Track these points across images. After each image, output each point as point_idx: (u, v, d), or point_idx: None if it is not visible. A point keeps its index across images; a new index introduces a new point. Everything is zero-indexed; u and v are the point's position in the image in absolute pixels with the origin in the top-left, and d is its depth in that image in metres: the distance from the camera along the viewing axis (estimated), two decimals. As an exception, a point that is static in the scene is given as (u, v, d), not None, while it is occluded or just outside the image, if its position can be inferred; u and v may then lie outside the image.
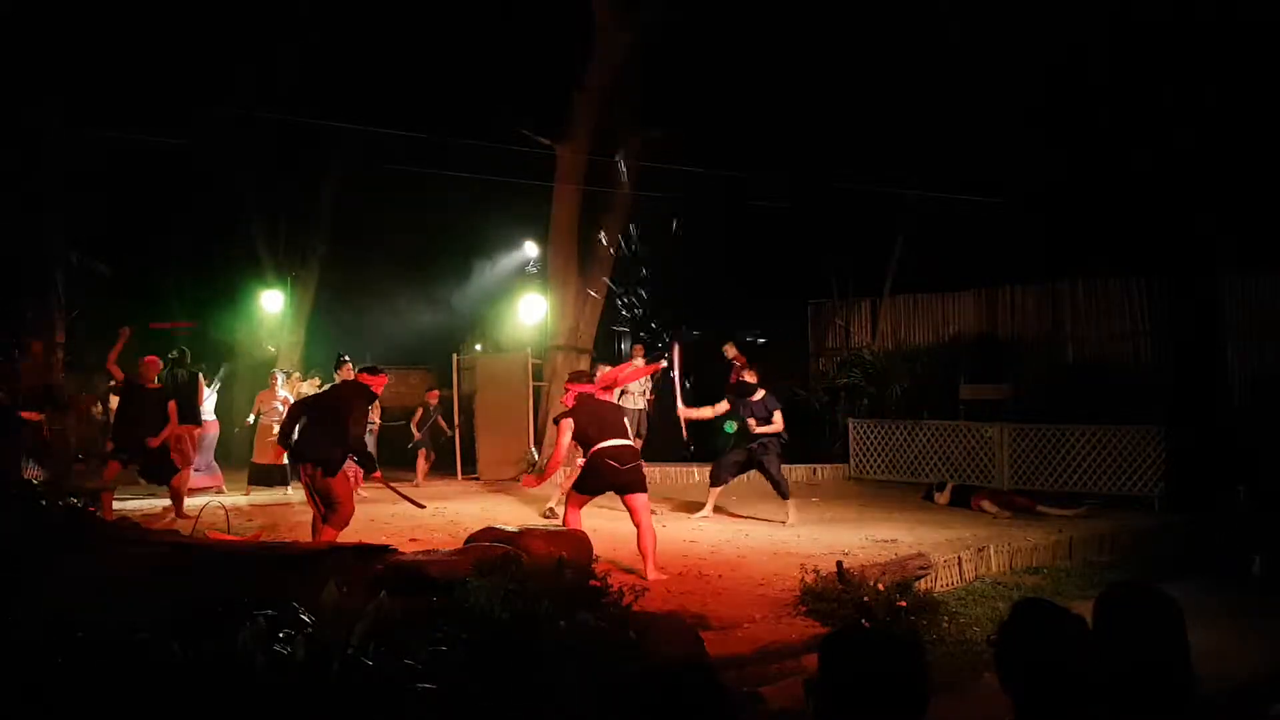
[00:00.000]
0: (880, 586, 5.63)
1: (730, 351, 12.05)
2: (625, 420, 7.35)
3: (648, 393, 12.46)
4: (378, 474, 7.54)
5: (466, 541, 5.95)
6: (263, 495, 10.86)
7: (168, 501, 9.35)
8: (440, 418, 12.95)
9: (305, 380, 12.10)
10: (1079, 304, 12.81)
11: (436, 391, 13.16)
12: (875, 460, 12.64)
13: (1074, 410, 11.32)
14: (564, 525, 6.65)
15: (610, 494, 6.89)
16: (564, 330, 13.00)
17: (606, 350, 15.17)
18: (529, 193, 13.37)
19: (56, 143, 10.62)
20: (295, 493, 10.62)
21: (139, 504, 9.90)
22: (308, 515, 7.51)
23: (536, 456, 12.25)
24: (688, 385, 10.46)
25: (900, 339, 14.48)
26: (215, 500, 8.52)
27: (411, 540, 7.39)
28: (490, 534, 5.96)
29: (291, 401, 10.37)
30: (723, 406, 9.24)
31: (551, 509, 9.25)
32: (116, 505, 8.98)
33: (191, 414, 10.14)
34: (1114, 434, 10.52)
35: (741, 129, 13.15)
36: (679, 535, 8.22)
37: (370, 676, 3.20)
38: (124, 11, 11.22)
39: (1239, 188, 10.18)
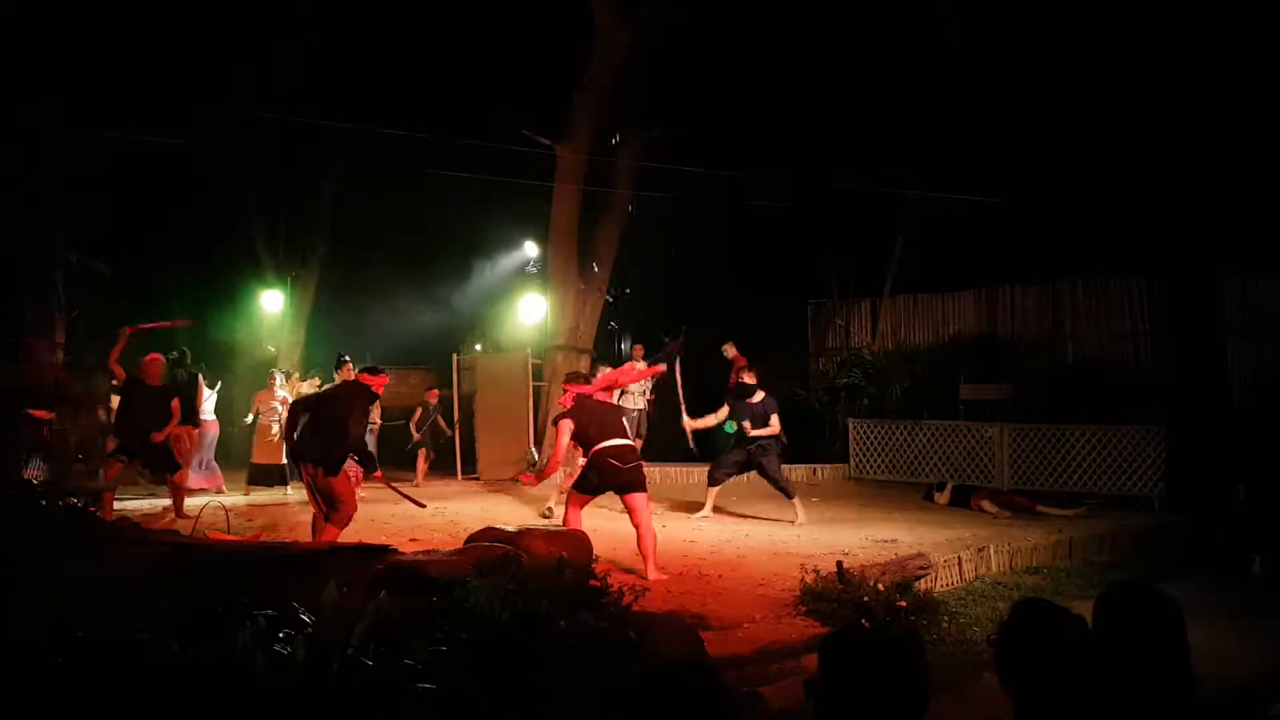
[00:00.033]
0: (880, 586, 5.63)
1: (730, 351, 12.06)
2: (624, 420, 7.36)
3: (647, 393, 12.45)
4: (378, 474, 7.54)
5: (466, 541, 5.95)
6: (262, 495, 10.86)
7: (168, 501, 9.37)
8: (440, 417, 12.95)
9: (305, 380, 12.10)
10: (1079, 304, 12.81)
11: (436, 391, 13.15)
12: (875, 460, 12.64)
13: (1074, 410, 11.32)
14: (564, 525, 6.65)
15: (610, 494, 6.90)
16: (564, 330, 12.99)
17: (606, 350, 15.17)
18: (529, 193, 13.36)
19: (56, 143, 10.60)
20: (295, 493, 10.62)
21: (139, 504, 9.90)
22: (308, 515, 7.52)
23: (536, 456, 12.25)
24: (688, 389, 10.50)
25: (900, 339, 14.48)
26: (215, 500, 8.53)
27: (411, 540, 7.39)
28: (490, 534, 5.96)
29: (290, 402, 10.37)
30: (723, 412, 9.25)
31: (550, 509, 9.26)
32: (116, 505, 8.99)
33: (190, 414, 10.16)
34: (1114, 434, 10.52)
35: (741, 129, 13.15)
36: (679, 535, 8.22)
37: (370, 676, 3.20)
38: (124, 11, 11.22)
39: (1239, 188, 10.18)
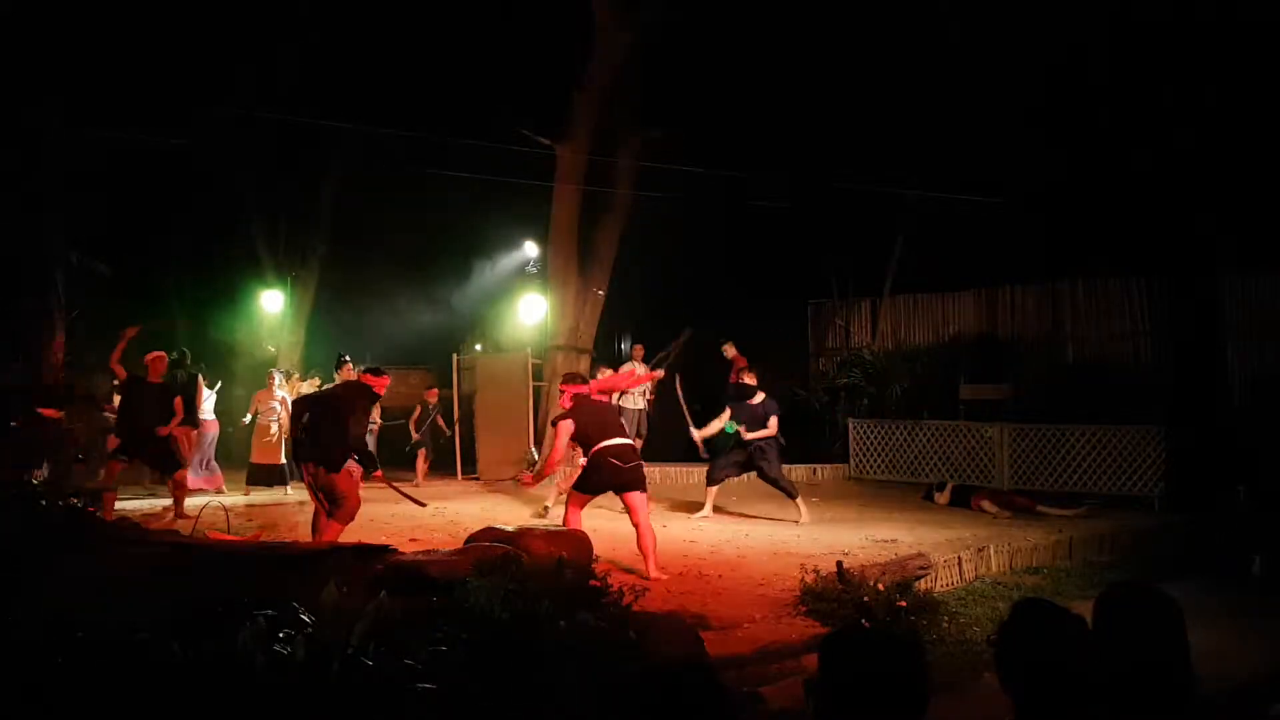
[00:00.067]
0: (880, 586, 5.63)
1: (730, 351, 12.06)
2: (623, 420, 7.37)
3: (648, 393, 12.46)
4: (378, 473, 7.55)
5: (466, 541, 5.95)
6: (262, 495, 10.86)
7: (168, 501, 9.37)
8: (439, 417, 12.95)
9: (305, 380, 12.11)
10: (1079, 304, 12.81)
11: (435, 390, 13.15)
12: (875, 460, 12.64)
13: (1074, 410, 11.32)
14: (564, 525, 6.65)
15: (610, 494, 6.89)
16: (564, 330, 12.99)
17: (606, 350, 15.17)
18: (529, 193, 13.36)
19: (56, 143, 10.62)
20: (294, 493, 10.62)
21: (139, 504, 9.90)
22: (308, 515, 7.52)
23: (536, 456, 12.25)
24: (688, 391, 10.51)
25: (900, 339, 14.48)
26: (215, 500, 8.52)
27: (411, 540, 7.39)
28: (490, 534, 5.96)
29: (289, 402, 10.37)
30: (726, 415, 9.27)
31: (545, 508, 9.25)
32: (116, 505, 8.99)
33: (189, 416, 10.17)
34: (1114, 434, 10.52)
35: (741, 129, 13.14)
36: (679, 535, 8.22)
37: (370, 676, 3.20)
38: (124, 11, 11.22)
39: (1239, 188, 10.18)
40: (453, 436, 13.13)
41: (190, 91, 12.25)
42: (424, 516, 8.57)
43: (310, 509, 7.37)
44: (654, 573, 6.38)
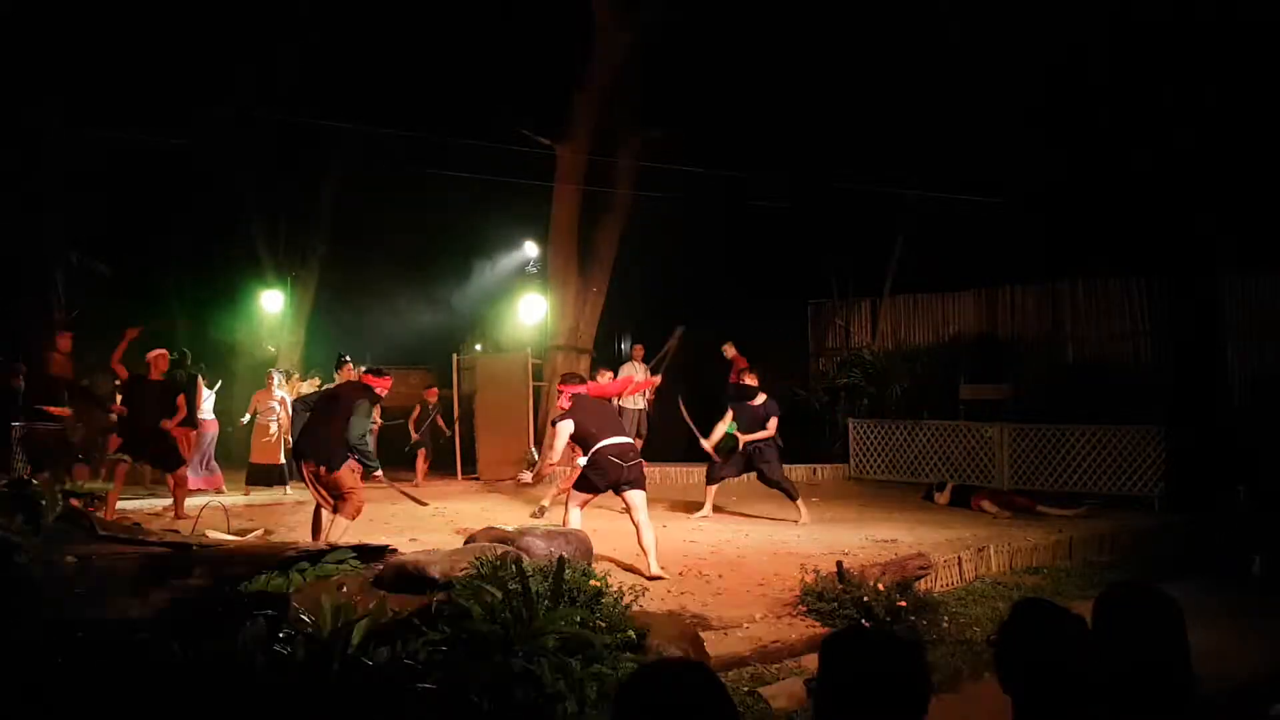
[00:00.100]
0: (880, 586, 5.63)
1: (730, 351, 12.05)
2: (623, 420, 7.38)
3: (648, 393, 12.46)
4: (379, 474, 7.54)
5: (466, 541, 5.97)
6: (262, 495, 10.86)
7: (168, 501, 9.37)
8: (439, 417, 12.95)
9: (305, 380, 12.10)
10: (1079, 304, 12.81)
11: (435, 390, 13.15)
12: (875, 460, 12.64)
13: (1074, 410, 11.32)
14: (563, 525, 6.65)
15: (610, 494, 6.89)
16: (564, 330, 13.00)
17: (606, 350, 15.17)
18: (529, 193, 13.36)
19: (56, 143, 10.63)
20: (294, 493, 10.62)
21: (139, 504, 9.90)
22: (307, 515, 7.52)
23: (536, 456, 12.25)
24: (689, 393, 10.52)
25: (900, 339, 14.48)
26: (215, 500, 8.53)
27: (411, 540, 7.39)
28: (490, 534, 5.97)
29: (289, 402, 10.37)
30: (728, 417, 9.30)
31: (543, 507, 9.24)
32: (117, 505, 8.99)
33: (189, 416, 10.17)
34: (1114, 434, 10.52)
35: (741, 129, 13.14)
36: (679, 535, 8.22)
37: (370, 676, 3.21)
38: (124, 11, 11.23)
39: (1239, 188, 10.18)
40: (453, 436, 13.13)
41: (190, 91, 12.26)
42: (424, 516, 8.57)
43: (309, 509, 7.37)
44: (654, 572, 6.38)
